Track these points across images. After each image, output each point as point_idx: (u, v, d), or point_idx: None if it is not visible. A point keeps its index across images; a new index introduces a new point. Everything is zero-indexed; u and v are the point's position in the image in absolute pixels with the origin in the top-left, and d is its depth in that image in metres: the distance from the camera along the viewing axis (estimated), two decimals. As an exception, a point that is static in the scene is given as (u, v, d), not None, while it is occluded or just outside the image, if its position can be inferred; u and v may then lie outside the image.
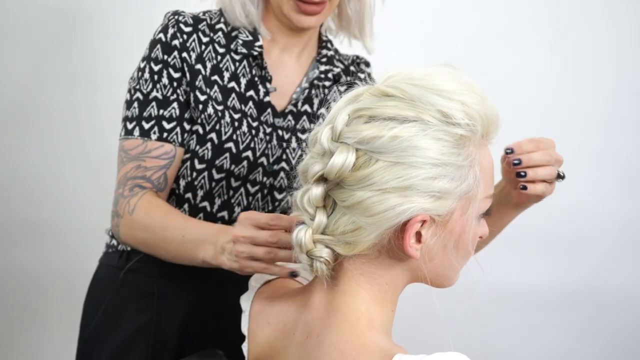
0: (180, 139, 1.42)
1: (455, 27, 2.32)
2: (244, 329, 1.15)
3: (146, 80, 1.43)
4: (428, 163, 0.92)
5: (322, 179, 0.97)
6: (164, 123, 1.41)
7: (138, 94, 1.43)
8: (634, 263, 2.36)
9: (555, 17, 2.32)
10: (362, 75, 1.61)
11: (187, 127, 1.44)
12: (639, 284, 2.37)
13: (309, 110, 1.52)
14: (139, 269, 1.48)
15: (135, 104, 1.43)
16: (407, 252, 0.95)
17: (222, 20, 1.51)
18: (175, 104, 1.42)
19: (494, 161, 1.00)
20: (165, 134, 1.41)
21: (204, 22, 1.49)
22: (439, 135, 0.93)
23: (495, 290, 2.35)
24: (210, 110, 1.43)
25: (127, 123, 1.43)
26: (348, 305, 0.98)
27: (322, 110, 1.52)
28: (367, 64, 1.65)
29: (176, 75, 1.43)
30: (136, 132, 1.42)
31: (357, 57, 1.64)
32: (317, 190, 0.97)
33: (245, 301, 1.17)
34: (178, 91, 1.43)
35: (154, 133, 1.41)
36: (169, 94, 1.43)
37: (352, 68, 1.61)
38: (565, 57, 2.33)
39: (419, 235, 0.95)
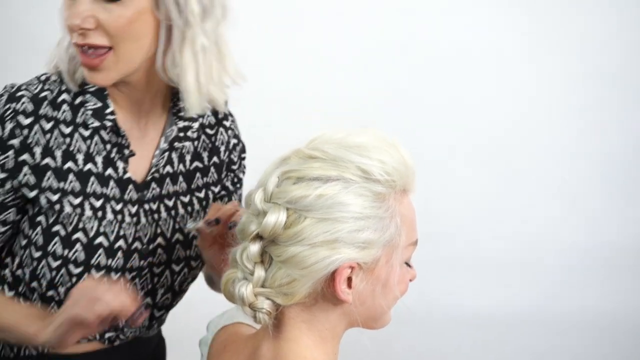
0: None
1: (432, 39, 2.33)
2: (201, 373, 1.22)
3: None
4: (352, 217, 1.01)
5: (258, 236, 1.05)
6: None
7: None
8: (584, 287, 2.43)
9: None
10: (227, 123, 1.47)
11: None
12: (589, 306, 2.43)
13: (171, 170, 1.39)
14: None
15: None
16: (339, 297, 1.03)
17: (64, 87, 1.31)
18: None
19: (415, 210, 1.09)
20: None
21: (46, 102, 1.29)
22: (360, 191, 1.02)
23: (450, 313, 2.40)
24: (67, 209, 1.29)
25: None
26: (293, 351, 1.06)
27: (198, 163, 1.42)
28: (226, 118, 1.47)
29: (1, 175, 1.28)
30: None
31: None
32: (255, 248, 1.05)
33: (203, 345, 1.24)
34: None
35: None
36: None
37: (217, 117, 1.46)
38: (515, 81, 2.35)
39: (350, 281, 1.03)
